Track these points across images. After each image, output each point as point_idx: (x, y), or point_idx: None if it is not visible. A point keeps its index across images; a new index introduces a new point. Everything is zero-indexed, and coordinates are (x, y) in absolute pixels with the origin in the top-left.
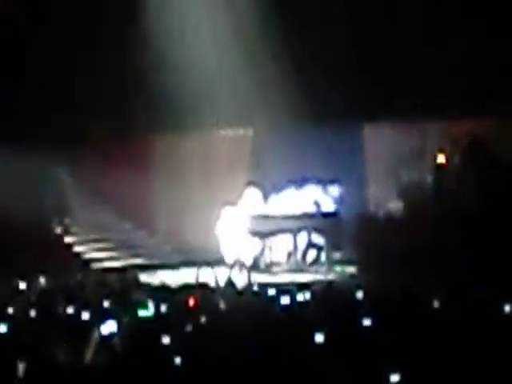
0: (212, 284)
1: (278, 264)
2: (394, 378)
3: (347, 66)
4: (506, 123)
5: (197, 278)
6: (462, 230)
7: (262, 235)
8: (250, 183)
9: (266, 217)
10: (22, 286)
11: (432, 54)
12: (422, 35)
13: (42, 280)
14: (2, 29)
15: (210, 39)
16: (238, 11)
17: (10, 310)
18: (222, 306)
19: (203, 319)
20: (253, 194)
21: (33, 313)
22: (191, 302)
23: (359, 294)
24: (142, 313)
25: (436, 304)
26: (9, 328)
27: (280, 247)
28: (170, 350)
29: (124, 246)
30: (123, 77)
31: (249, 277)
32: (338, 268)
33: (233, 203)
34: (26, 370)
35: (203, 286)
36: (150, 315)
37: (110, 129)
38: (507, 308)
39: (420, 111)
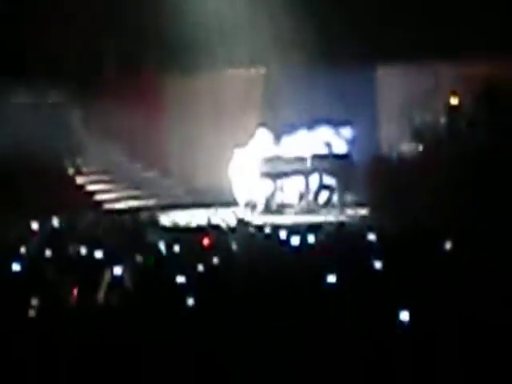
0: (224, 225)
1: (289, 205)
2: (404, 316)
3: (360, 6)
4: None
5: (209, 219)
6: (474, 171)
7: (274, 177)
8: (262, 124)
9: (277, 158)
10: (35, 226)
11: None
12: None
13: (55, 220)
14: None
15: None
16: None
17: (23, 250)
18: (234, 247)
19: (215, 260)
20: (265, 135)
21: (46, 253)
22: (206, 242)
23: (371, 236)
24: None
25: (448, 245)
26: (22, 267)
27: (292, 189)
28: (182, 290)
29: (136, 187)
30: (136, 15)
31: (261, 218)
32: (349, 210)
33: (245, 144)
34: (38, 309)
35: (215, 227)
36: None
37: (122, 67)
38: None
39: (433, 52)
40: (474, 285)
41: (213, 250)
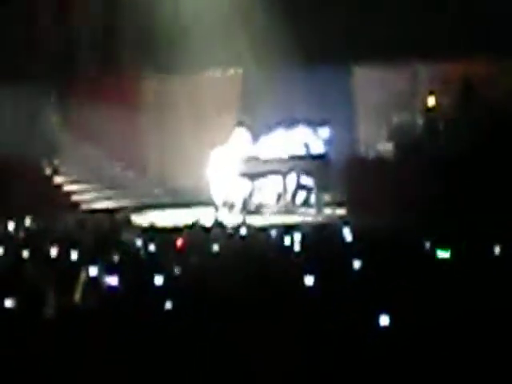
0: (201, 225)
1: (267, 206)
2: (384, 320)
3: (337, 5)
4: (497, 65)
5: (186, 219)
6: (450, 171)
7: (252, 176)
8: (239, 124)
9: (255, 158)
10: (11, 226)
11: None
12: None
13: (31, 220)
14: None
15: None
16: None
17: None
18: (212, 247)
19: (192, 260)
20: (243, 135)
21: (23, 253)
22: (179, 243)
23: (348, 236)
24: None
25: (426, 245)
26: None
27: (269, 189)
28: (158, 292)
29: (113, 187)
30: (115, 14)
31: (238, 218)
32: (326, 210)
33: (222, 144)
34: (16, 310)
35: (193, 227)
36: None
37: (100, 66)
38: (497, 249)
39: (410, 52)
40: (452, 284)
41: (188, 250)
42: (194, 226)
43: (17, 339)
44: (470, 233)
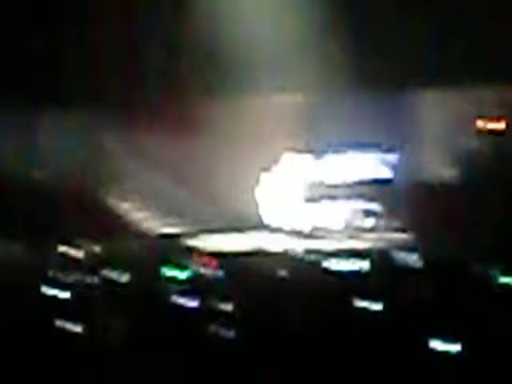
0: (265, 251)
1: (333, 231)
2: (455, 347)
3: (402, 31)
4: None
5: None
6: None
7: (317, 201)
8: (304, 149)
9: (321, 183)
10: (76, 253)
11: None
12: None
13: (96, 247)
14: None
15: (261, 4)
16: None
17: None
18: (278, 273)
19: (259, 286)
20: (308, 160)
21: (88, 279)
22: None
23: (416, 263)
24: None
25: (493, 274)
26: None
27: (335, 214)
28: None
29: (177, 213)
30: (173, 39)
31: (305, 244)
32: (393, 236)
33: (287, 169)
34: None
35: (257, 253)
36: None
37: (162, 92)
38: None
39: (477, 76)
40: None
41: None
42: (257, 252)
43: (85, 366)
44: None
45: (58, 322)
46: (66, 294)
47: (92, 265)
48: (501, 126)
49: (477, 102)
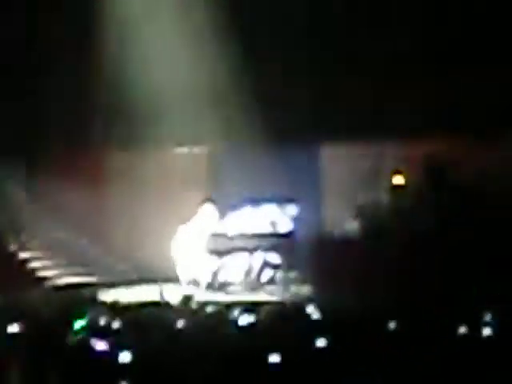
0: (167, 302)
1: (233, 283)
2: None
3: (305, 85)
4: (464, 143)
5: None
6: (418, 251)
7: (218, 253)
8: (206, 201)
9: (222, 235)
10: None
11: (389, 73)
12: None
13: None
14: None
15: (169, 56)
16: (197, 27)
17: None
18: (177, 324)
19: (157, 337)
20: (209, 211)
21: None
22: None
23: (314, 315)
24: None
25: (392, 326)
26: None
27: (236, 266)
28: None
29: (80, 263)
30: (81, 90)
31: (203, 295)
32: (293, 288)
33: (189, 221)
34: None
35: (158, 304)
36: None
37: (65, 142)
38: (462, 330)
39: (377, 131)
40: (419, 364)
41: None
42: (158, 303)
43: None
44: (437, 312)
45: None
46: None
47: None
48: (400, 180)
49: (378, 156)
